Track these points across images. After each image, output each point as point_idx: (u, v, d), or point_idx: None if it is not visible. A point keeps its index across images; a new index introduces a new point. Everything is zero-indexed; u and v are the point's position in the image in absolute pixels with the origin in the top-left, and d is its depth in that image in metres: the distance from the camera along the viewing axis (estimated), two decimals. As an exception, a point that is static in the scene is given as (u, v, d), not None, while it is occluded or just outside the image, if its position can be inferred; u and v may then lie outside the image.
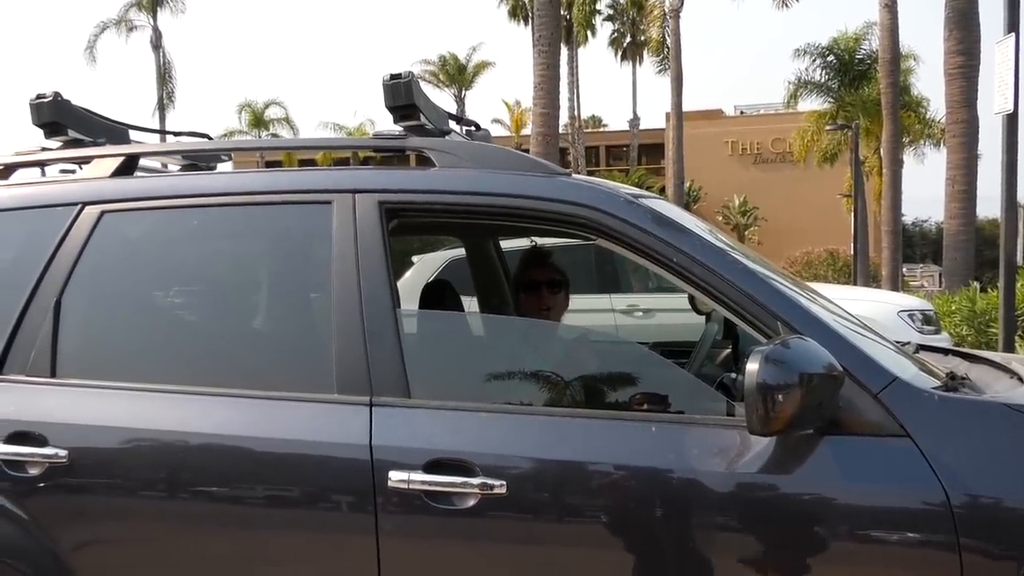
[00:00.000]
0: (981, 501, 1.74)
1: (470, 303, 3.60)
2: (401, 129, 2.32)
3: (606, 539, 1.90)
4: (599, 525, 1.91)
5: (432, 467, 1.91)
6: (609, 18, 43.13)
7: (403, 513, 1.92)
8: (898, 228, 21.61)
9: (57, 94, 2.51)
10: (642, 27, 40.38)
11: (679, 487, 1.87)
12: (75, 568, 2.08)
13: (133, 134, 2.86)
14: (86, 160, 2.51)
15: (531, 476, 1.93)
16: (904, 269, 25.60)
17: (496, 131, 38.51)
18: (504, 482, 1.87)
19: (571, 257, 4.30)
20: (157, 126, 29.74)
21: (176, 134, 3.04)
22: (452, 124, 2.60)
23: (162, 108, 35.48)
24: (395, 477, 1.91)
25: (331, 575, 1.99)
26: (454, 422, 2.00)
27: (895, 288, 19.17)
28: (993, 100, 7.33)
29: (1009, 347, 7.49)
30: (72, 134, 2.57)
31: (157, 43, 35.61)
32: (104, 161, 2.42)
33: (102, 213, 2.29)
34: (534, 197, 2.12)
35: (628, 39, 43.19)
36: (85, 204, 2.30)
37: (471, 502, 1.88)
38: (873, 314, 6.58)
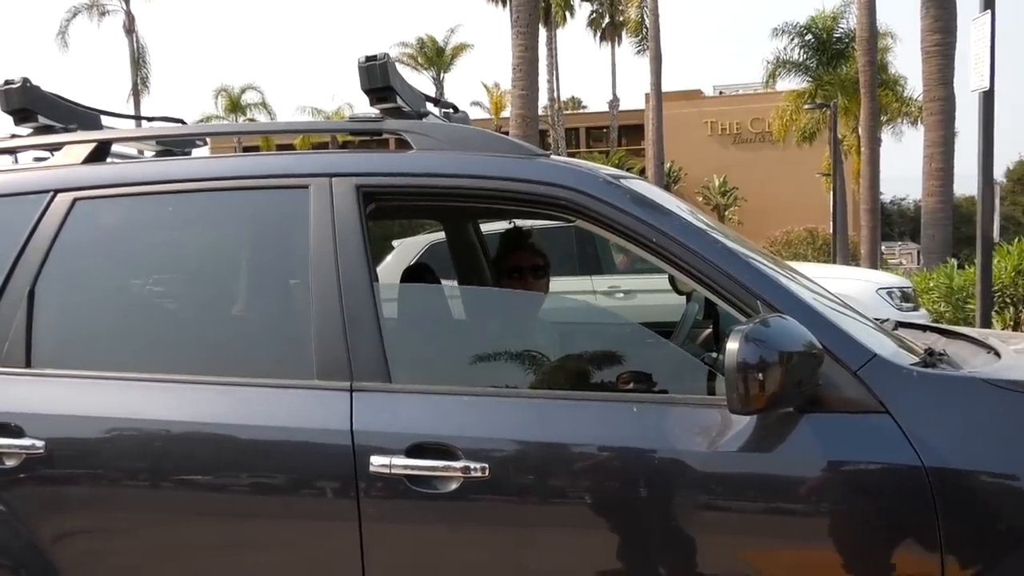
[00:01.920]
0: (959, 475, 1.76)
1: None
2: (378, 112, 2.30)
3: (589, 520, 1.90)
4: (582, 506, 1.91)
5: (414, 451, 1.90)
6: (587, -2, 42.96)
7: (385, 498, 1.92)
8: (876, 206, 21.77)
9: (26, 80, 2.46)
10: (621, 7, 40.31)
11: (660, 467, 1.87)
12: (56, 559, 2.06)
13: (105, 120, 2.82)
14: (57, 147, 2.47)
15: (513, 459, 1.93)
16: (882, 247, 25.82)
17: (476, 113, 38.35)
18: (486, 465, 1.87)
19: (551, 239, 4.30)
20: (131, 112, 29.39)
21: (149, 119, 3.00)
22: (430, 106, 2.57)
23: (136, 94, 35.01)
24: (377, 462, 1.90)
25: (314, 561, 1.98)
26: (435, 406, 1.99)
27: (874, 266, 19.34)
28: (969, 78, 7.37)
29: (986, 323, 7.57)
30: (43, 120, 2.52)
31: (130, 27, 35.08)
32: (76, 147, 2.38)
33: (75, 200, 2.25)
34: (513, 179, 2.10)
35: (607, 20, 43.07)
36: (57, 191, 2.27)
37: (453, 486, 1.88)
38: (852, 292, 6.62)
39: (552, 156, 2.23)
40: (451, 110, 2.87)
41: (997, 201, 8.06)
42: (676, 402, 1.95)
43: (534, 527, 1.92)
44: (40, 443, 2.05)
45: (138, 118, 3.13)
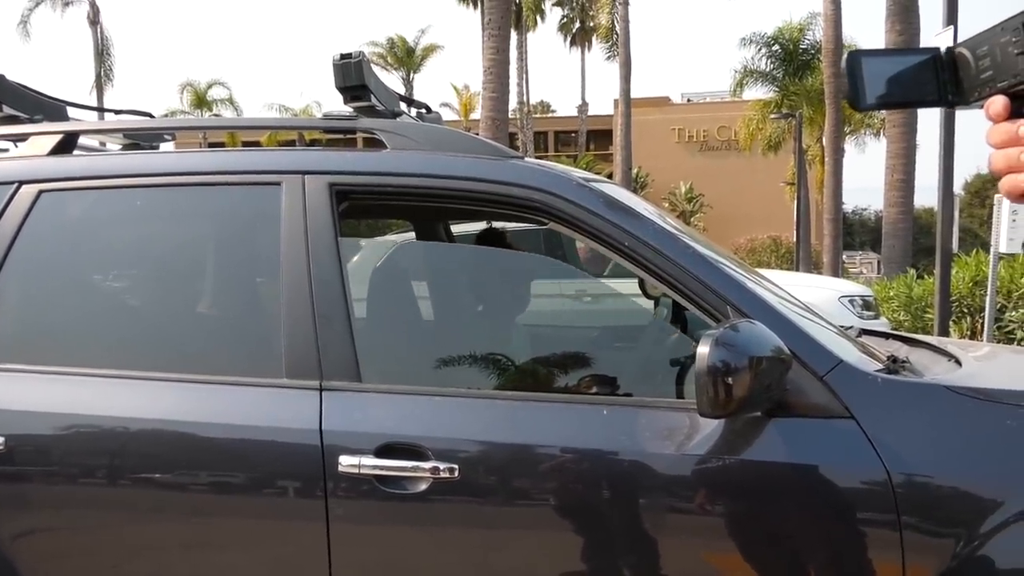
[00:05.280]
0: (921, 480, 1.79)
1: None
2: (352, 110, 2.29)
3: (558, 522, 1.91)
4: (551, 508, 1.92)
5: (383, 451, 1.89)
6: (558, 3, 43.11)
7: (354, 498, 1.91)
8: (839, 216, 22.10)
9: (-9, 68, 2.42)
10: (591, 13, 40.51)
11: (629, 469, 1.88)
12: (15, 558, 2.02)
13: (72, 111, 2.77)
14: (22, 137, 2.43)
15: (483, 460, 1.93)
16: (844, 256, 26.19)
17: (445, 115, 38.10)
18: (456, 466, 1.87)
19: (520, 242, 4.30)
20: (95, 104, 28.87)
21: (117, 112, 2.95)
22: (403, 106, 2.57)
23: (100, 86, 34.44)
24: (345, 462, 1.89)
25: (281, 561, 1.96)
26: (405, 406, 1.98)
27: (835, 274, 19.61)
28: (932, 91, 7.49)
29: (944, 331, 7.73)
30: (7, 110, 2.48)
31: (95, 18, 34.52)
32: (41, 139, 2.34)
33: (40, 192, 2.21)
34: (487, 180, 2.11)
35: (577, 25, 43.26)
36: (22, 183, 2.22)
37: (423, 486, 1.88)
38: (815, 300, 6.68)
39: (526, 158, 2.24)
40: (424, 110, 2.87)
41: (956, 213, 8.22)
42: (645, 405, 1.96)
43: (503, 528, 1.92)
44: (0, 439, 2.01)
45: (106, 110, 3.08)
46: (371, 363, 2.02)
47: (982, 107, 0.99)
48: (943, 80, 1.03)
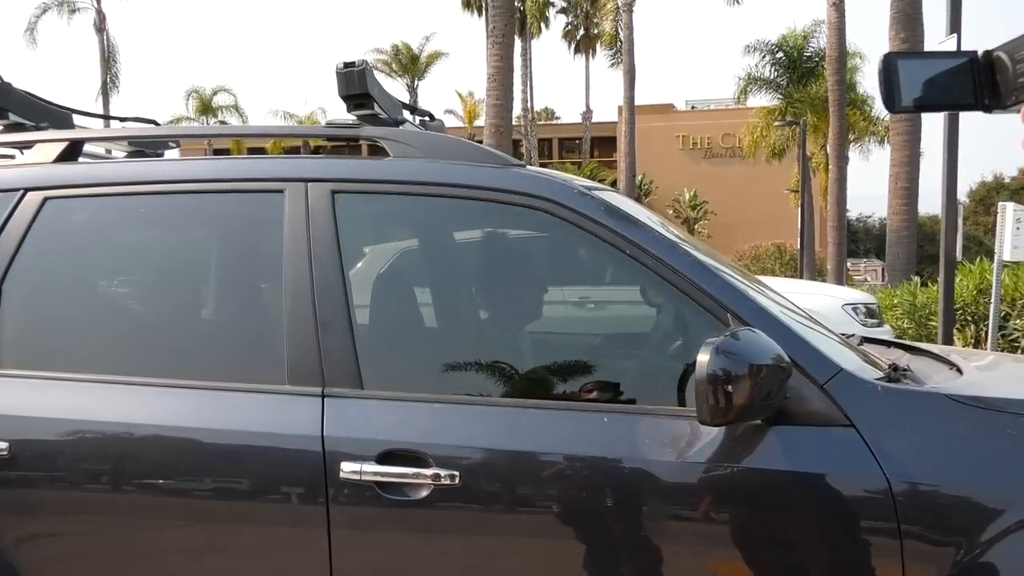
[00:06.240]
0: (921, 489, 1.79)
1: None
2: (355, 118, 2.30)
3: (559, 529, 1.91)
4: (552, 516, 1.92)
5: (385, 458, 1.90)
6: (563, 11, 43.24)
7: (355, 504, 1.91)
8: (843, 223, 22.06)
9: (-3, 76, 2.44)
10: (595, 20, 40.60)
11: (630, 477, 1.89)
12: (19, 563, 2.03)
13: (77, 119, 2.79)
14: (28, 145, 2.44)
15: (484, 467, 1.93)
16: (848, 263, 26.16)
17: (449, 122, 38.27)
18: (457, 473, 1.88)
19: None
20: (101, 111, 29.02)
21: (122, 119, 2.97)
22: (406, 114, 2.58)
23: (106, 93, 34.56)
24: (347, 468, 1.90)
25: (282, 567, 1.97)
26: (407, 413, 1.99)
27: (839, 282, 19.57)
28: (935, 99, 7.49)
29: (948, 340, 7.72)
30: (13, 118, 2.50)
31: (101, 26, 34.66)
32: (47, 146, 2.36)
33: (45, 199, 2.23)
34: (488, 188, 2.12)
35: (581, 32, 43.36)
36: (27, 190, 2.24)
37: (424, 493, 1.88)
38: (818, 307, 6.68)
39: (527, 166, 2.25)
40: (427, 118, 2.88)
41: (960, 221, 8.21)
42: (646, 412, 1.97)
43: (504, 536, 1.93)
44: (4, 444, 2.02)
45: (111, 118, 3.10)
46: (373, 370, 2.03)
47: (1019, 111, 0.98)
48: (979, 83, 1.03)
